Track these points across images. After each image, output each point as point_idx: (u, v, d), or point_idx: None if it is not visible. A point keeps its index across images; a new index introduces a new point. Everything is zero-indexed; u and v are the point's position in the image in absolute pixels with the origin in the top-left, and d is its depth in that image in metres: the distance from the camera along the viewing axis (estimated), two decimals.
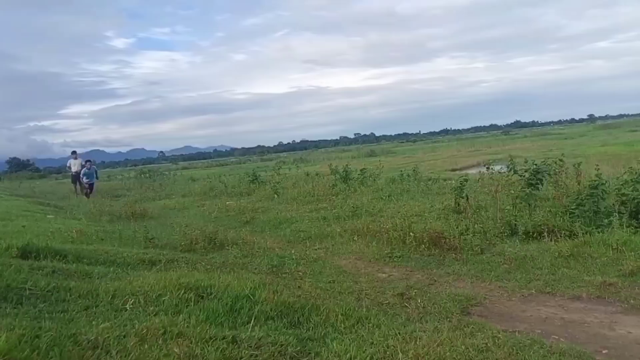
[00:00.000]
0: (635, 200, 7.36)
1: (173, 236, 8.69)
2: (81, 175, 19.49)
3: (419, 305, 4.78)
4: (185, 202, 15.92)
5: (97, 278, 4.81)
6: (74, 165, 20.21)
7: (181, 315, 3.63)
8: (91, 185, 19.61)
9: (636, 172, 8.30)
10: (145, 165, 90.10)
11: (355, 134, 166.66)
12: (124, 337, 3.10)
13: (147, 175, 33.85)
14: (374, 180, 15.49)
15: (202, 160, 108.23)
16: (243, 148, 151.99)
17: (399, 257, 6.94)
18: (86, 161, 20.25)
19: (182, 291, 4.20)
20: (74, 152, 21.07)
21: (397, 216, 8.90)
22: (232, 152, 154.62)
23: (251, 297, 4.18)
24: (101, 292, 4.15)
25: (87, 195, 19.27)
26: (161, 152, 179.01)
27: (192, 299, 4.08)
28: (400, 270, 6.36)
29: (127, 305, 3.90)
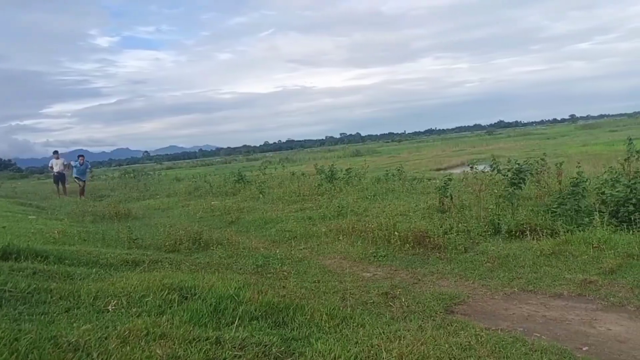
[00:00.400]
0: (615, 199, 7.47)
1: (157, 236, 8.62)
2: (73, 171, 19.03)
3: (403, 304, 4.81)
4: (169, 202, 15.80)
5: (79, 279, 4.75)
6: (56, 165, 19.90)
7: (164, 316, 3.60)
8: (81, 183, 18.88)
9: (616, 172, 8.45)
10: (129, 165, 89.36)
11: (341, 134, 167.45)
12: (106, 339, 3.06)
13: (132, 175, 33.58)
14: (360, 179, 15.55)
15: (187, 160, 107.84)
16: (228, 148, 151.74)
17: (384, 256, 6.97)
18: (78, 156, 19.41)
19: (166, 292, 4.17)
20: (55, 152, 20.75)
21: (382, 215, 8.95)
22: (217, 151, 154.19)
23: (235, 298, 4.16)
24: (83, 293, 4.10)
25: (81, 192, 18.62)
26: (146, 151, 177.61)
27: (176, 300, 4.05)
28: (384, 270, 6.39)
29: (110, 307, 3.86)
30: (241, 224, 10.66)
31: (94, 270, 5.28)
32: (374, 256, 7.02)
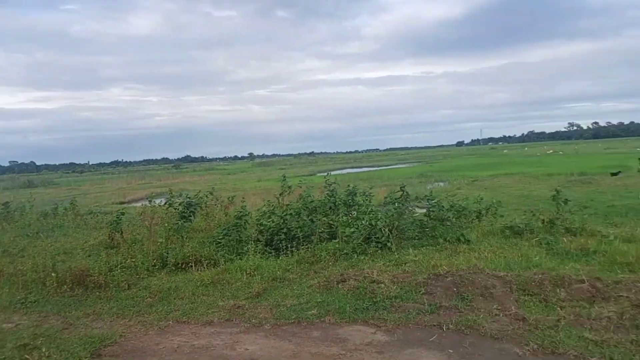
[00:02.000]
0: (270, 229, 8.52)
1: None
2: None
3: (42, 354, 4.26)
4: None
5: None
6: None
7: None
8: None
9: (273, 205, 9.73)
10: None
11: (10, 162, 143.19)
12: None
13: None
14: (22, 214, 13.53)
15: None
16: None
17: (34, 301, 6.17)
18: None
19: None
20: None
21: (41, 255, 7.97)
22: None
23: None
24: None
25: None
26: None
27: None
28: (32, 317, 5.61)
29: None
30: None
31: None
32: (22, 303, 6.14)
